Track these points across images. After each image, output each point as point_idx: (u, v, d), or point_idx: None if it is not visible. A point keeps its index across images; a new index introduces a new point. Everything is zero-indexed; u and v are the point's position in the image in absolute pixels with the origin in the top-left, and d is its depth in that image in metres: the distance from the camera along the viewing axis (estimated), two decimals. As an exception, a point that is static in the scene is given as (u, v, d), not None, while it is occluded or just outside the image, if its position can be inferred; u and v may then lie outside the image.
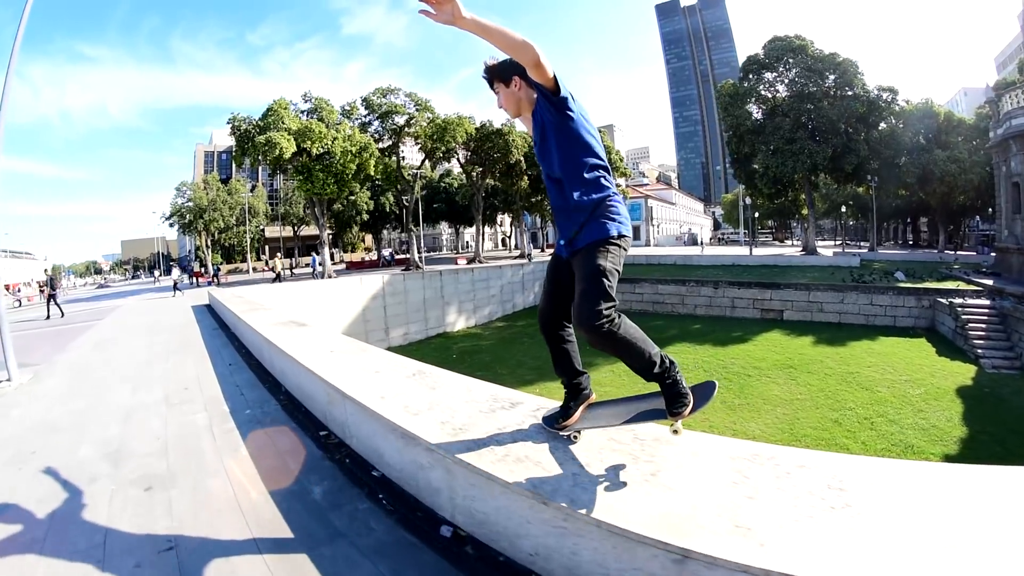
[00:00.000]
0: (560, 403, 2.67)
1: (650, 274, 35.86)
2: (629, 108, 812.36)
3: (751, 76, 42.69)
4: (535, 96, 2.32)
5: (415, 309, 27.06)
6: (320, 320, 21.00)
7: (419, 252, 39.91)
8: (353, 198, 61.72)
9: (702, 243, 65.05)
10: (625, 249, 2.38)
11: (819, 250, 44.50)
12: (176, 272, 30.09)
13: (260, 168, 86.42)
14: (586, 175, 2.31)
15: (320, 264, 31.99)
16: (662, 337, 25.96)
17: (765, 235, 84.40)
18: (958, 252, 47.15)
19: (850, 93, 39.55)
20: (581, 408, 2.59)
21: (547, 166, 2.41)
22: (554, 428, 2.56)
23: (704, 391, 2.42)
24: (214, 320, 13.18)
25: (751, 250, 45.47)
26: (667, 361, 2.32)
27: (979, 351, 21.15)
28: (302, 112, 31.64)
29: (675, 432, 2.38)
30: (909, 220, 50.15)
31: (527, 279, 37.45)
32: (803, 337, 24.97)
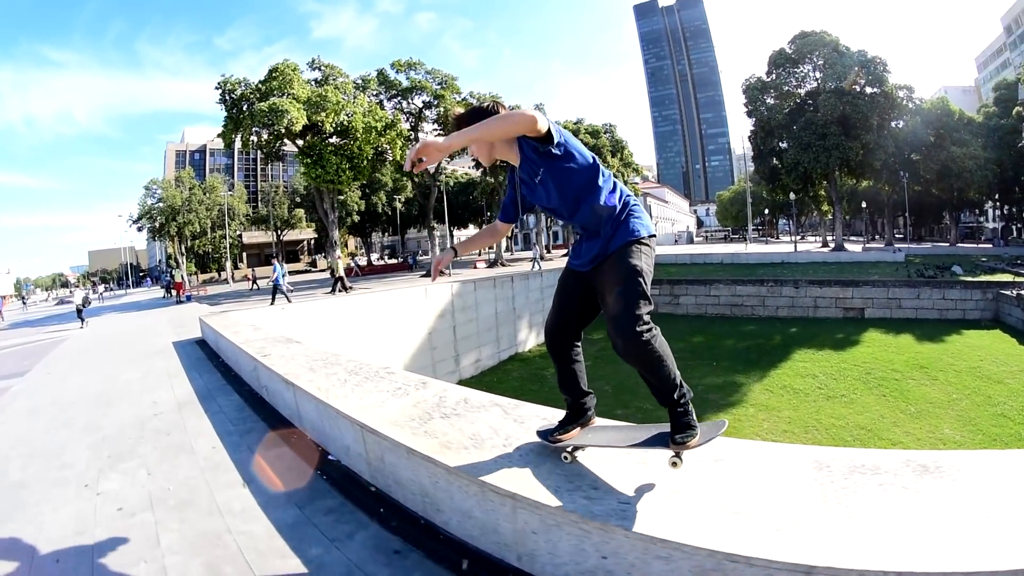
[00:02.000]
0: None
1: (713, 274, 30.28)
2: (605, 108, 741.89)
3: (778, 71, 38.29)
4: (513, 140, 2.04)
5: (487, 328, 18.91)
6: (385, 353, 12.77)
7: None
8: (342, 197, 52.27)
9: (747, 239, 58.36)
10: (654, 250, 2.07)
11: (845, 246, 39.32)
12: (80, 294, 18.51)
13: (236, 164, 75.44)
14: (601, 185, 2.04)
15: (285, 276, 22.54)
16: (770, 345, 21.99)
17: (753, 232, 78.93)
18: (959, 244, 45.52)
19: (877, 90, 36.02)
20: (579, 428, 2.25)
21: (551, 200, 2.10)
22: (548, 440, 2.22)
23: (713, 429, 1.99)
24: (231, 386, 5.82)
25: (795, 247, 40.45)
26: (685, 387, 2.00)
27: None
28: (309, 82, 22.62)
29: (674, 464, 1.95)
30: (905, 214, 46.41)
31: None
32: (901, 335, 22.29)
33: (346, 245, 74.19)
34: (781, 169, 37.79)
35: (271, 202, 57.75)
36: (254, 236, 64.95)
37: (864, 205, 42.68)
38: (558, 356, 2.29)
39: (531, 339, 22.39)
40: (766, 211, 61.13)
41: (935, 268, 29.22)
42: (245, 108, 20.23)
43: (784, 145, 37.88)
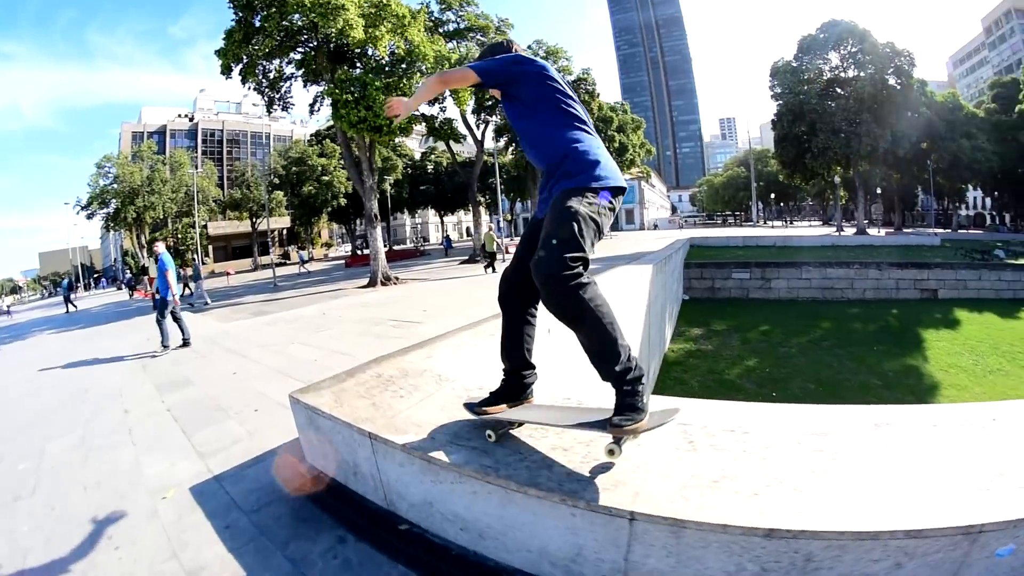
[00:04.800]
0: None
1: (806, 257, 26.24)
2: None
3: (807, 56, 34.40)
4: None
5: (657, 328, 11.80)
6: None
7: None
8: (327, 177, 42.81)
9: (839, 225, 54.11)
10: (611, 204, 1.66)
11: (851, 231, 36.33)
12: None
13: (201, 147, 62.02)
14: (563, 128, 1.72)
15: (199, 280, 17.05)
16: (892, 327, 19.26)
17: (721, 218, 75.41)
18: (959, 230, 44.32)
19: (902, 82, 33.23)
20: (517, 406, 1.87)
21: (523, 142, 1.86)
22: (474, 412, 1.86)
23: (663, 416, 1.59)
24: None
25: (856, 232, 35.82)
26: (634, 362, 1.58)
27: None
28: None
29: (610, 452, 1.54)
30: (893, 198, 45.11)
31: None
32: (984, 314, 20.77)
33: (319, 235, 63.35)
34: (807, 153, 33.92)
35: (246, 183, 47.02)
36: (220, 227, 53.01)
37: (880, 191, 40.04)
38: (509, 311, 1.86)
39: (668, 334, 15.98)
40: (772, 195, 57.79)
41: (979, 252, 28.05)
42: (267, 11, 11.89)
43: (804, 129, 33.73)
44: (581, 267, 1.51)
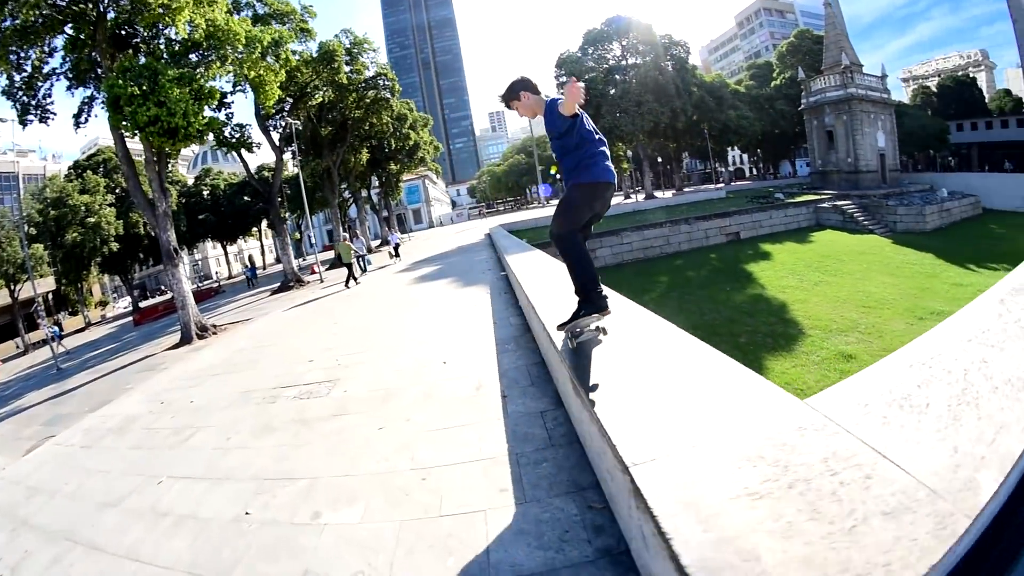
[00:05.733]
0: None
1: (621, 224, 28.96)
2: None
3: (592, 47, 39.85)
4: (541, 101, 2.74)
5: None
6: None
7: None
8: (93, 219, 35.06)
9: (626, 192, 57.41)
10: (598, 192, 2.62)
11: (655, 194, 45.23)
12: None
13: None
14: (577, 148, 2.57)
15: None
16: (722, 268, 22.41)
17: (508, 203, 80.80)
18: (732, 183, 54.05)
19: (676, 66, 40.64)
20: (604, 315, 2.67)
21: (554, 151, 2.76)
22: (567, 326, 2.71)
23: (580, 328, 2.72)
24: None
25: (645, 197, 43.36)
26: (594, 295, 2.57)
27: (870, 227, 27.39)
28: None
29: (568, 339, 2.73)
30: (669, 165, 54.75)
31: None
32: (784, 243, 25.01)
33: (91, 293, 51.51)
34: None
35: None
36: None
37: (659, 159, 48.78)
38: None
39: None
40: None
41: (762, 198, 34.01)
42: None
43: (591, 113, 38.22)
44: (568, 231, 2.56)
